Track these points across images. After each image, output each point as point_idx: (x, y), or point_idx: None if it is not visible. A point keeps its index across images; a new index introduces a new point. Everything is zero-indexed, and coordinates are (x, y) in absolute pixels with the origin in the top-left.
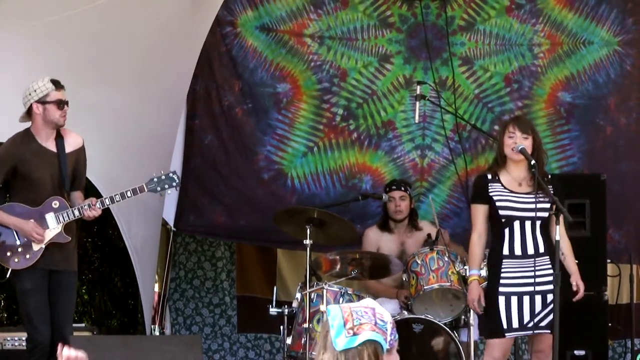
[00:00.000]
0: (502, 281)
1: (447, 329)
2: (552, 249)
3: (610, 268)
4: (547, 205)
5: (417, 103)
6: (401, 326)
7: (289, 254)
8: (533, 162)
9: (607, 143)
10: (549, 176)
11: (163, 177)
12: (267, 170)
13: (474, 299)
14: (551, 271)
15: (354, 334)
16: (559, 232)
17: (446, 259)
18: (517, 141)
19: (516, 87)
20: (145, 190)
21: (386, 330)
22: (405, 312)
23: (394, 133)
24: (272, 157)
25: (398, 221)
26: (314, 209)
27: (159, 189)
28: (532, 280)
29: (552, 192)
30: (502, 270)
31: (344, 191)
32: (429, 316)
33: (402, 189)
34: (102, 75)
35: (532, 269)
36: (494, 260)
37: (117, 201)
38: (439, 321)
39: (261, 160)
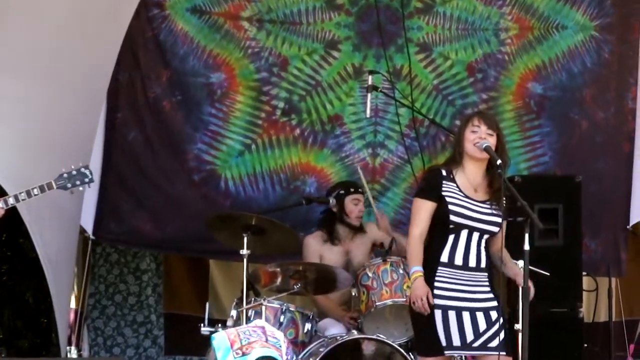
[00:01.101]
0: (436, 292)
1: (402, 351)
2: (490, 267)
3: (586, 281)
4: (499, 220)
5: (369, 95)
6: (349, 347)
7: (223, 266)
8: (499, 161)
9: (583, 140)
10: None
11: (74, 172)
12: (198, 170)
13: (422, 295)
14: (489, 289)
15: (243, 354)
16: (503, 245)
17: (401, 271)
18: (482, 136)
19: (480, 77)
20: (54, 187)
21: (280, 347)
22: (355, 332)
23: (342, 129)
24: (204, 156)
25: (351, 227)
26: (252, 215)
27: (69, 185)
28: (469, 296)
29: (505, 199)
30: (437, 279)
31: (285, 194)
32: (381, 336)
33: (362, 192)
34: (6, 62)
35: (470, 282)
36: (428, 267)
37: (22, 199)
38: (392, 342)
39: (191, 159)
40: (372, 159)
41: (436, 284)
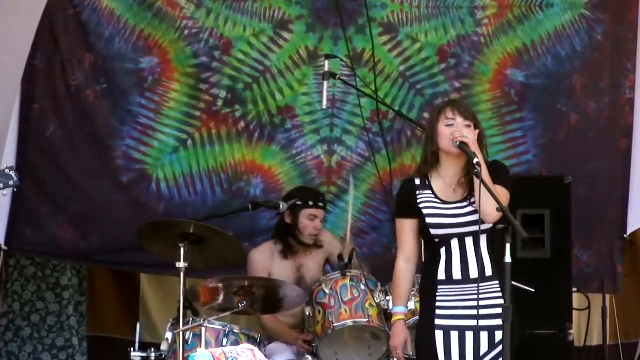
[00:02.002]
0: (438, 312)
1: None
2: (502, 272)
3: (577, 299)
4: None
5: (325, 83)
6: None
7: (156, 281)
8: (476, 160)
9: (572, 135)
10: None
11: None
12: (127, 170)
13: (398, 344)
14: (500, 301)
15: None
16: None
17: (362, 287)
18: (459, 130)
19: (453, 62)
20: None
21: None
22: (309, 358)
23: (294, 122)
24: (133, 154)
25: (304, 244)
26: (189, 222)
27: None
28: (474, 312)
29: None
30: (438, 299)
31: (227, 198)
32: None
33: (325, 208)
34: None
35: (476, 297)
36: (427, 288)
37: None
38: None
39: (119, 157)
40: (327, 157)
41: (438, 304)
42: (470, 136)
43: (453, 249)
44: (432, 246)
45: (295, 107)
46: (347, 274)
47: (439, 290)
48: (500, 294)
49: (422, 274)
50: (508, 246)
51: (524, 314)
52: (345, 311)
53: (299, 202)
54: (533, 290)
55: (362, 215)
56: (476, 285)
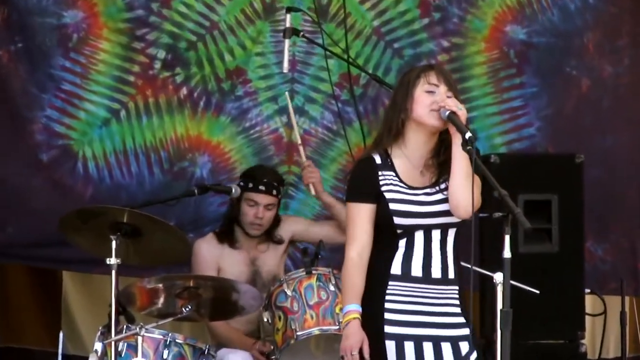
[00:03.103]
0: (388, 316)
1: None
2: (461, 279)
3: (591, 302)
4: None
5: (286, 42)
6: None
7: (82, 281)
8: (468, 135)
9: (584, 105)
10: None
11: None
12: (47, 147)
13: (352, 346)
14: (460, 310)
15: None
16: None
17: (332, 287)
18: (443, 100)
19: (439, 17)
20: None
21: None
22: None
23: (246, 88)
24: (55, 127)
25: (249, 235)
26: (123, 210)
27: None
28: (434, 319)
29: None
30: (387, 298)
31: (168, 180)
32: None
33: (273, 192)
34: None
35: (435, 300)
36: (374, 283)
37: None
38: None
39: (38, 131)
40: (287, 130)
41: (387, 305)
42: (463, 108)
43: (416, 241)
44: (389, 238)
45: (247, 70)
46: (313, 271)
47: (389, 288)
48: (459, 302)
49: (369, 263)
50: (507, 239)
51: (527, 321)
52: (311, 317)
53: (241, 184)
54: (538, 291)
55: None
56: (437, 286)
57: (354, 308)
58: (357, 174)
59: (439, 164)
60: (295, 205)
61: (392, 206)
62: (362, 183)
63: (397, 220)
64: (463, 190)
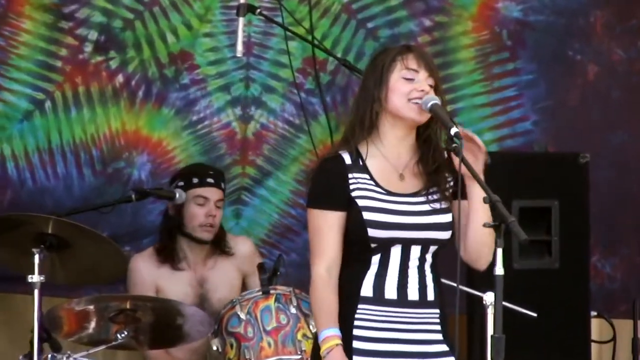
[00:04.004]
0: (357, 344)
1: None
2: (443, 301)
3: (598, 326)
4: (448, 218)
5: (240, 20)
6: None
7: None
8: (454, 129)
9: (590, 95)
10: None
11: None
12: None
13: None
14: (442, 336)
15: None
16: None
17: (293, 310)
18: (423, 88)
19: None
20: None
21: None
22: None
23: (193, 76)
24: None
25: (197, 241)
26: (48, 218)
27: None
28: (411, 348)
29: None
30: (356, 323)
31: (101, 183)
32: None
33: (222, 185)
34: None
35: (412, 326)
36: (341, 307)
37: None
38: None
39: None
40: (241, 125)
41: (356, 331)
42: (436, 98)
43: (392, 258)
44: (359, 252)
45: (194, 54)
46: (271, 291)
47: (359, 312)
48: (440, 327)
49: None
50: (499, 252)
51: (522, 349)
52: (269, 345)
53: (181, 182)
54: (535, 315)
55: (291, 207)
56: (415, 310)
57: (332, 333)
58: (322, 175)
59: (428, 174)
60: (249, 213)
61: (367, 215)
62: (328, 186)
63: (372, 232)
64: (488, 239)
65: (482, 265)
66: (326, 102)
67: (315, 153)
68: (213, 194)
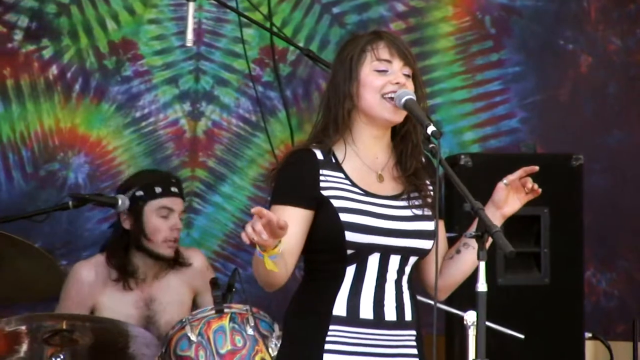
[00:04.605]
0: None
1: None
2: (420, 321)
3: (593, 349)
4: (430, 226)
5: (190, 5)
6: None
7: None
8: (431, 128)
9: (583, 90)
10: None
11: None
12: None
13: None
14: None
15: None
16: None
17: (250, 331)
18: (398, 81)
19: None
20: None
21: None
22: None
23: (137, 67)
24: None
25: (157, 258)
26: None
27: None
28: None
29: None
30: (327, 347)
31: (32, 188)
32: None
33: (183, 194)
34: None
35: (388, 350)
36: (310, 327)
37: None
38: None
39: None
40: (190, 122)
41: (327, 356)
42: (411, 93)
43: (368, 269)
44: (332, 262)
45: (138, 42)
46: (226, 310)
47: (330, 334)
48: (415, 350)
49: (296, 304)
50: (482, 266)
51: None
52: None
53: (140, 192)
54: (522, 336)
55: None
56: (391, 332)
57: None
58: (288, 167)
59: (398, 165)
60: (201, 222)
61: (344, 217)
62: (295, 180)
63: (350, 236)
64: (462, 279)
65: (441, 296)
66: (286, 96)
67: (274, 154)
68: (178, 204)
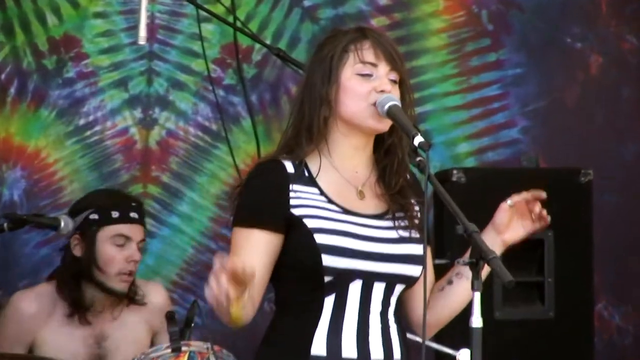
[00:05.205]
0: None
1: None
2: (409, 357)
3: None
4: (419, 250)
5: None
6: None
7: None
8: (418, 139)
9: (593, 94)
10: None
11: None
12: None
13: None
14: None
15: None
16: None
17: None
18: (383, 87)
19: None
20: None
21: None
22: None
23: (81, 68)
24: None
25: (110, 292)
26: None
27: None
28: None
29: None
30: None
31: None
32: None
33: (144, 220)
34: None
35: None
36: None
37: None
38: None
39: None
40: (142, 131)
41: None
42: (396, 98)
43: (349, 300)
44: (308, 292)
45: (82, 39)
46: (184, 348)
47: None
48: None
49: (267, 343)
50: (477, 298)
51: None
52: None
53: (95, 216)
54: None
55: (210, 239)
56: None
57: None
58: (254, 183)
59: (381, 181)
60: (156, 247)
61: (320, 238)
62: (261, 198)
63: (328, 260)
64: (454, 315)
65: (428, 334)
66: (251, 102)
67: (237, 168)
68: (136, 232)
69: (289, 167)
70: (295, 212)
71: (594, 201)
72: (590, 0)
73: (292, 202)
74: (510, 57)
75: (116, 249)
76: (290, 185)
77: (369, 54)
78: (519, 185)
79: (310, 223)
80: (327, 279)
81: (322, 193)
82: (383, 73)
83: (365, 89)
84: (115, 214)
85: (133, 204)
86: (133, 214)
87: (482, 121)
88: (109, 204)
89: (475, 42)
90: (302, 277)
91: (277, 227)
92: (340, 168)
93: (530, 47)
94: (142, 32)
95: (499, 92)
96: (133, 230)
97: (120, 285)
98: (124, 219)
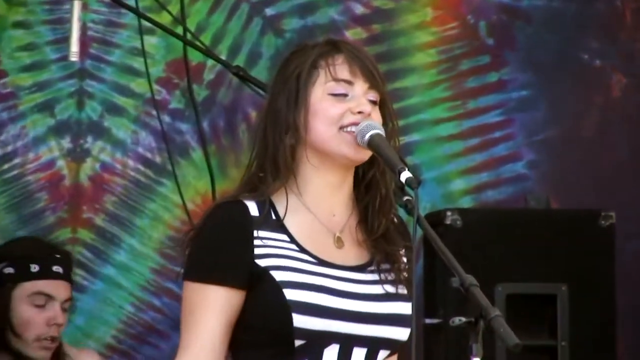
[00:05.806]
0: None
1: None
2: None
3: None
4: (407, 309)
5: (76, 5)
6: None
7: None
8: (405, 175)
9: (613, 121)
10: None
11: None
12: None
13: None
14: None
15: None
16: None
17: None
18: (361, 109)
19: None
20: None
21: None
22: None
23: None
24: None
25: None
26: None
27: None
28: None
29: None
30: None
31: None
32: None
33: (70, 277)
34: None
35: None
36: None
37: None
38: None
39: None
40: (71, 164)
41: None
42: (378, 126)
43: None
44: (272, 357)
45: (0, 53)
46: None
47: None
48: None
49: None
50: None
51: None
52: None
53: (10, 269)
54: None
55: (153, 295)
56: None
57: None
58: (210, 229)
59: (374, 240)
60: (87, 303)
61: (290, 294)
62: (219, 247)
63: (299, 320)
64: None
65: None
66: (203, 129)
67: (186, 209)
68: (60, 290)
69: (253, 209)
70: (261, 263)
71: (617, 249)
72: (612, 8)
73: (256, 251)
74: (515, 77)
75: (35, 310)
76: (255, 232)
77: (342, 70)
78: (525, 229)
79: (278, 276)
80: (297, 342)
81: (292, 240)
82: (360, 92)
83: (338, 110)
84: (34, 268)
85: (57, 256)
86: (56, 268)
87: (480, 153)
88: (27, 255)
89: (471, 59)
90: (268, 340)
91: (238, 282)
92: (314, 209)
93: (539, 65)
94: (74, 46)
95: (500, 119)
96: (56, 288)
97: (40, 354)
98: (45, 274)
